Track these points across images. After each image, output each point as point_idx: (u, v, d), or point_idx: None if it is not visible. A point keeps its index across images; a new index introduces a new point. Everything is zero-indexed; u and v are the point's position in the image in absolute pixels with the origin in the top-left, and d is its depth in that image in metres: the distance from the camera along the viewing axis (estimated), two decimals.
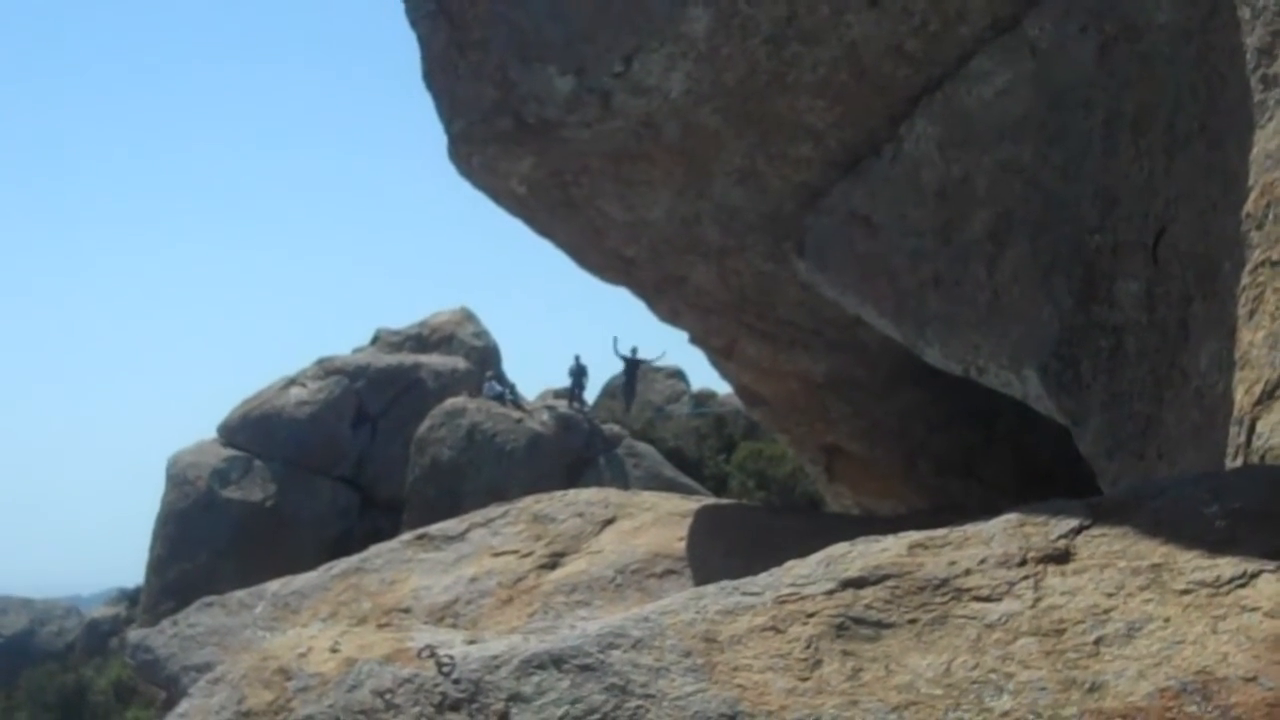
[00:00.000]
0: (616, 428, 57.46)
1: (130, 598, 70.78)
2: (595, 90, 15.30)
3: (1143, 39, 11.64)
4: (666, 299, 20.35)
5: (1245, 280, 9.15)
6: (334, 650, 7.50)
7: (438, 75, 16.88)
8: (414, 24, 16.95)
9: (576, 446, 54.47)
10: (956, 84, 14.03)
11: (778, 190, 16.23)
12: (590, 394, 62.20)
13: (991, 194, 13.70)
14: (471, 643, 7.27)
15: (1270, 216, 8.96)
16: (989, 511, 7.49)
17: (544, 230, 18.97)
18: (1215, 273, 9.92)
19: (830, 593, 6.74)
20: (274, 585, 17.98)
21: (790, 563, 7.27)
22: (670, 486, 46.52)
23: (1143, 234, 11.32)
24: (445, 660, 6.89)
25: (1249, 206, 9.26)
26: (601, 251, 18.95)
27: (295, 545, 52.34)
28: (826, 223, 16.07)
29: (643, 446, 56.31)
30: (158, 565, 59.56)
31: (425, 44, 16.86)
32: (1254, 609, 5.95)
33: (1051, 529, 6.93)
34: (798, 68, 14.40)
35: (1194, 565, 6.34)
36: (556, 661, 6.59)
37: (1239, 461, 8.60)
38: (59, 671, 66.84)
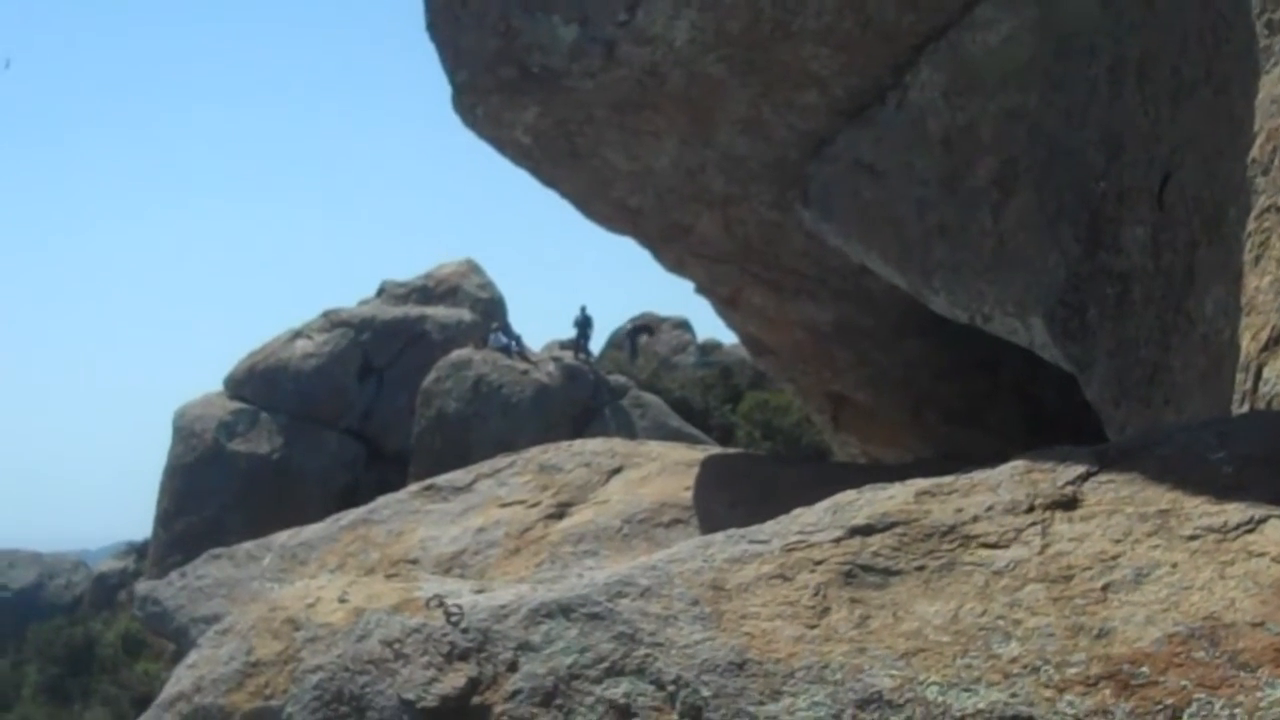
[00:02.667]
0: (622, 378, 57.52)
1: (138, 551, 71.04)
2: (599, 39, 15.26)
3: None
4: (672, 248, 20.34)
5: (1251, 226, 9.14)
6: (342, 600, 7.52)
7: (441, 25, 16.85)
8: None
9: (583, 397, 54.53)
10: (961, 31, 13.98)
11: (782, 139, 16.20)
12: (595, 345, 62.27)
13: (997, 141, 13.67)
14: (479, 592, 7.29)
15: (1276, 162, 8.95)
16: (996, 460, 7.49)
17: (549, 180, 18.95)
18: (1221, 218, 9.90)
19: (838, 540, 6.75)
20: (282, 537, 18.04)
21: (797, 511, 7.28)
22: (676, 437, 46.59)
23: (1148, 180, 11.29)
24: (453, 610, 6.91)
25: (1254, 152, 9.24)
26: (607, 201, 18.94)
27: (302, 498, 52.54)
28: (831, 171, 16.04)
29: (649, 397, 56.36)
30: (165, 518, 59.80)
31: None
32: (1261, 554, 5.95)
33: (1059, 475, 6.93)
34: (802, 15, 14.35)
35: (1201, 511, 6.34)
36: (565, 610, 6.61)
37: (1245, 407, 8.60)
38: (67, 625, 67.11)
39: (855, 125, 15.56)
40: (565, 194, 19.30)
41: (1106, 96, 12.09)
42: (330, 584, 8.02)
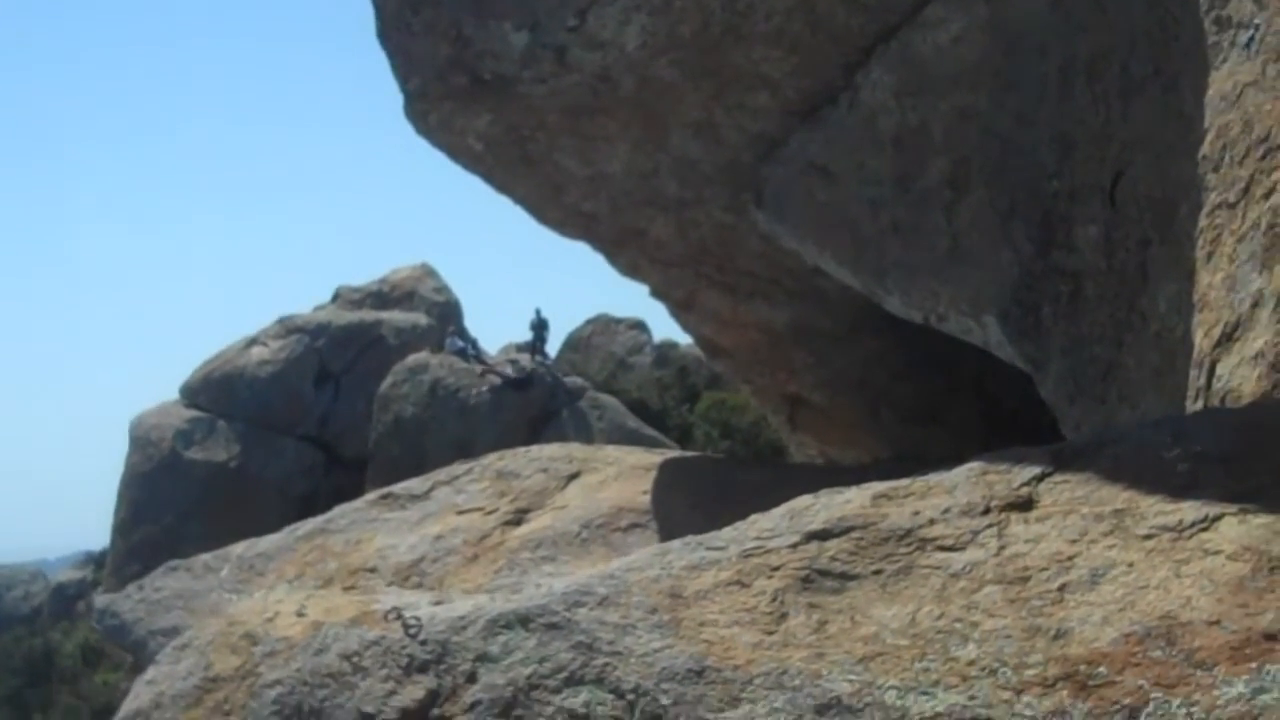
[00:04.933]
0: (580, 380, 57.44)
1: (96, 560, 70.77)
2: (550, 45, 15.27)
3: None
4: (626, 252, 20.34)
5: (1203, 223, 9.19)
6: (300, 614, 7.50)
7: (392, 33, 16.81)
8: None
9: (540, 400, 54.44)
10: (911, 31, 14.03)
11: (735, 141, 16.24)
12: (551, 347, 62.15)
13: (948, 141, 13.72)
14: (438, 604, 7.27)
15: (1226, 159, 8.99)
16: (953, 458, 7.51)
17: (502, 187, 18.94)
18: (1173, 216, 9.95)
19: (794, 546, 6.75)
20: (239, 548, 18.01)
21: (754, 516, 7.28)
22: (634, 438, 46.59)
23: (1100, 178, 11.35)
24: (411, 622, 6.90)
25: (1205, 149, 9.30)
26: (560, 207, 18.94)
27: (260, 505, 52.39)
28: (784, 173, 16.08)
29: (606, 398, 56.26)
30: (123, 528, 59.53)
31: (379, 3, 16.79)
32: (1216, 552, 5.97)
33: (1014, 477, 6.95)
34: (752, 18, 14.38)
35: (1156, 510, 6.36)
36: (523, 621, 6.60)
37: (1199, 404, 8.65)
38: (26, 636, 66.86)
39: (807, 126, 15.60)
40: (519, 200, 19.28)
41: (1057, 95, 12.14)
42: (288, 597, 7.99)
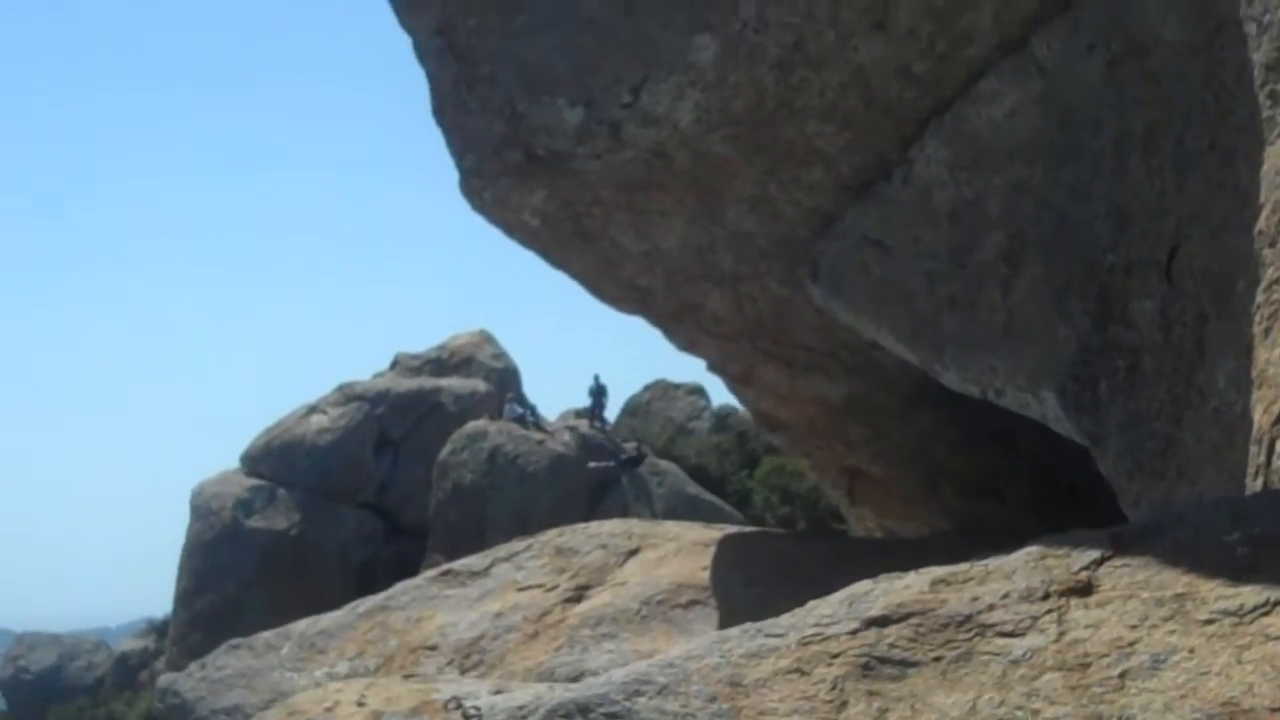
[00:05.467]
0: (637, 445, 57.25)
1: (158, 629, 70.90)
2: (604, 121, 15.33)
3: (1150, 56, 11.65)
4: (683, 327, 20.35)
5: (1260, 298, 9.16)
6: (360, 704, 7.50)
7: (447, 111, 16.89)
8: (422, 61, 16.97)
9: (599, 467, 54.32)
10: (965, 105, 14.04)
11: (790, 216, 16.26)
12: (610, 413, 62.06)
13: (1003, 215, 13.69)
14: (497, 693, 7.27)
15: None
16: (1012, 532, 7.49)
17: (558, 262, 18.99)
18: (1230, 291, 9.92)
19: (854, 632, 6.74)
20: (300, 625, 18.05)
21: (813, 602, 7.26)
22: (693, 504, 46.52)
23: (1156, 253, 11.32)
24: (471, 712, 6.90)
25: (1261, 224, 9.27)
26: (616, 282, 18.98)
27: (321, 573, 52.49)
28: (839, 247, 16.07)
29: (665, 464, 56.06)
30: (184, 597, 59.65)
31: (434, 80, 16.87)
32: (1277, 637, 5.94)
33: (1073, 561, 6.92)
34: (806, 93, 14.43)
35: (1217, 594, 6.34)
36: (583, 710, 6.59)
37: (1259, 482, 8.60)
38: (89, 706, 66.99)
39: (862, 201, 15.60)
40: (575, 275, 19.33)
41: (1111, 169, 12.12)
42: (348, 686, 8.01)
